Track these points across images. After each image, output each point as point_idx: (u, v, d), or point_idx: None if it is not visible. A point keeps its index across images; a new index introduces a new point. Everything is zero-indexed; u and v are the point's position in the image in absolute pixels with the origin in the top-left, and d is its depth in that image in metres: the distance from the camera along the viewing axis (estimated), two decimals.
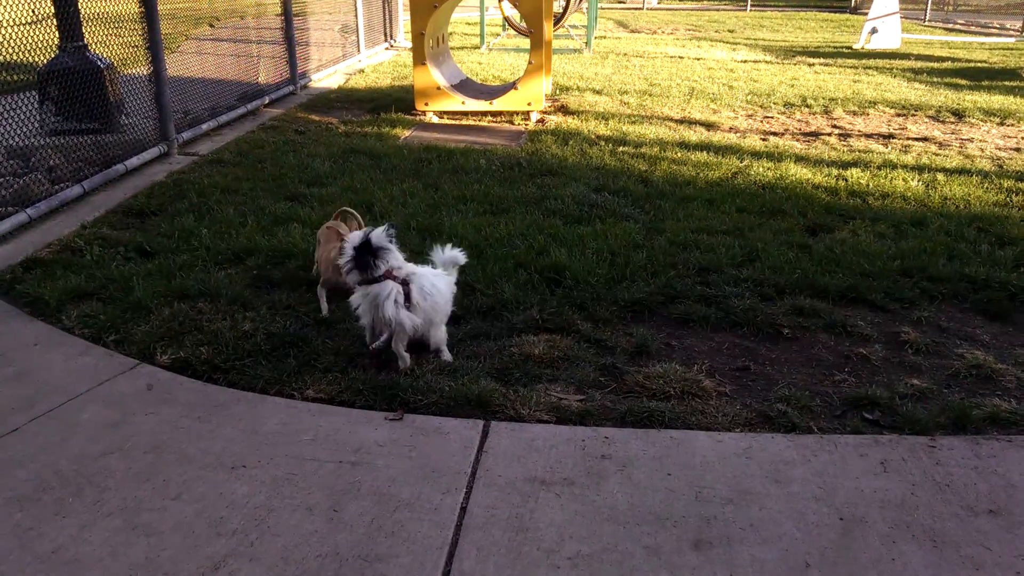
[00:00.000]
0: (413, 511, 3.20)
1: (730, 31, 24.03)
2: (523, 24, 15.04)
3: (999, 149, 9.54)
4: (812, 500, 3.31)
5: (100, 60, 8.62)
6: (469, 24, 23.18)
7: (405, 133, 9.84)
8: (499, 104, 10.47)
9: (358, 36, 16.26)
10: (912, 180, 7.99)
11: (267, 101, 11.33)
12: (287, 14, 12.08)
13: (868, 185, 7.84)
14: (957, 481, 3.44)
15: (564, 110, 11.17)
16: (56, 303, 5.08)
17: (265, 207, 6.87)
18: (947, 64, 16.55)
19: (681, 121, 10.74)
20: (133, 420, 3.84)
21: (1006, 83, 14.12)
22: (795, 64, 16.24)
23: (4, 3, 6.93)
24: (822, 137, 10.07)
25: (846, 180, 7.98)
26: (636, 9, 33.64)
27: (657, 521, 3.17)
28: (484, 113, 10.70)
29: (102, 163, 7.87)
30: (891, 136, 10.17)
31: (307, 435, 3.74)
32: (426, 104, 10.53)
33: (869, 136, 10.16)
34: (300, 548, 2.98)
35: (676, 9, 33.58)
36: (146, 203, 7.14)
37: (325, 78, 14.01)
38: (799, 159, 8.82)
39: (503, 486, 3.37)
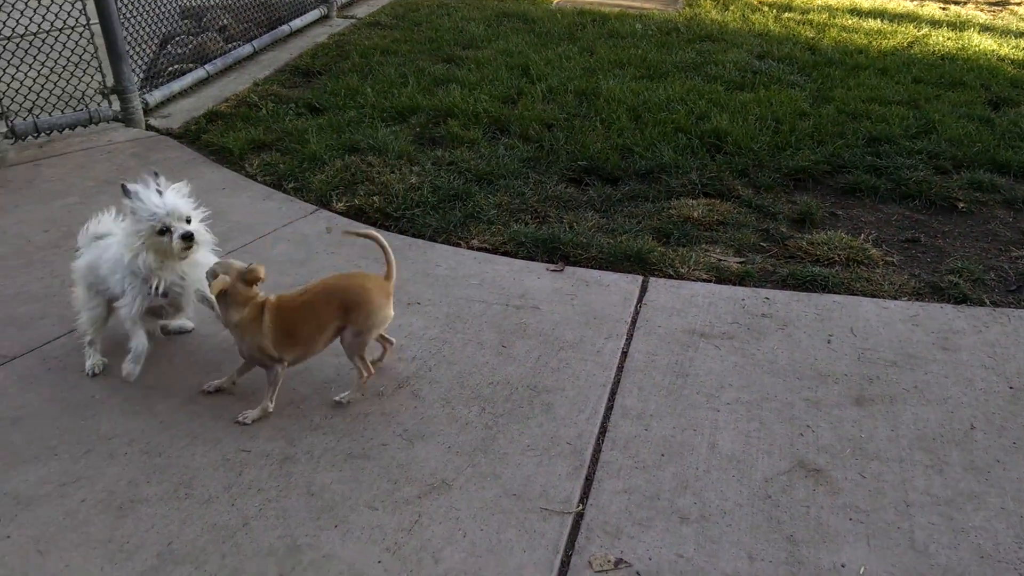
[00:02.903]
0: (576, 352, 3.37)
1: None
2: None
3: None
4: (981, 368, 3.25)
5: None
6: None
7: None
8: None
9: None
10: None
11: None
12: None
13: None
14: None
15: None
16: (239, 152, 5.43)
17: (424, 68, 6.98)
18: None
19: None
20: (317, 258, 4.15)
21: None
22: None
23: None
24: (1010, 7, 9.16)
25: None
26: None
27: (818, 377, 3.20)
28: None
29: (268, 24, 8.16)
30: None
31: (474, 280, 3.94)
32: None
33: None
34: (474, 375, 3.21)
35: None
36: (311, 63, 7.39)
37: None
38: (984, 29, 8.11)
39: (663, 335, 3.47)
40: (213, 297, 2.94)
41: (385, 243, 3.13)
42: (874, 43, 7.62)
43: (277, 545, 2.40)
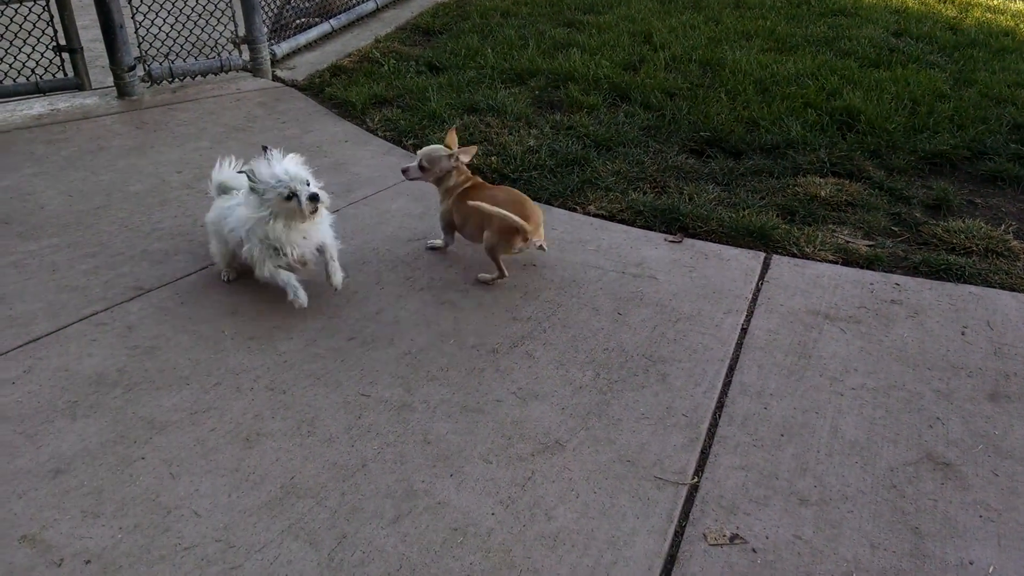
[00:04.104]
0: (694, 324, 3.30)
1: None
2: None
3: None
4: None
5: None
6: None
7: None
8: None
9: None
10: None
11: None
12: None
13: None
14: None
15: None
16: (361, 107, 5.52)
17: (544, 31, 6.93)
18: None
19: None
20: (435, 214, 4.18)
21: None
22: None
23: None
24: None
25: None
26: None
27: (950, 368, 3.05)
28: None
29: None
30: None
31: (590, 245, 3.91)
32: None
33: None
34: (588, 340, 3.19)
35: None
36: (432, 22, 7.44)
37: None
38: None
39: (785, 314, 3.37)
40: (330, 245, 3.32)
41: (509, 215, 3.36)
42: (1021, 26, 7.15)
43: (394, 488, 2.45)
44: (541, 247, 3.56)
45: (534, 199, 4.34)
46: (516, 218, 3.32)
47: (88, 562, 2.18)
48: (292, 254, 3.25)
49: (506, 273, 3.54)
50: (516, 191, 3.66)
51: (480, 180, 3.75)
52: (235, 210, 3.31)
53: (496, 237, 3.43)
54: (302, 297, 3.26)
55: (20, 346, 3.07)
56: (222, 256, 3.45)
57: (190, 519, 2.32)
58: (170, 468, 2.51)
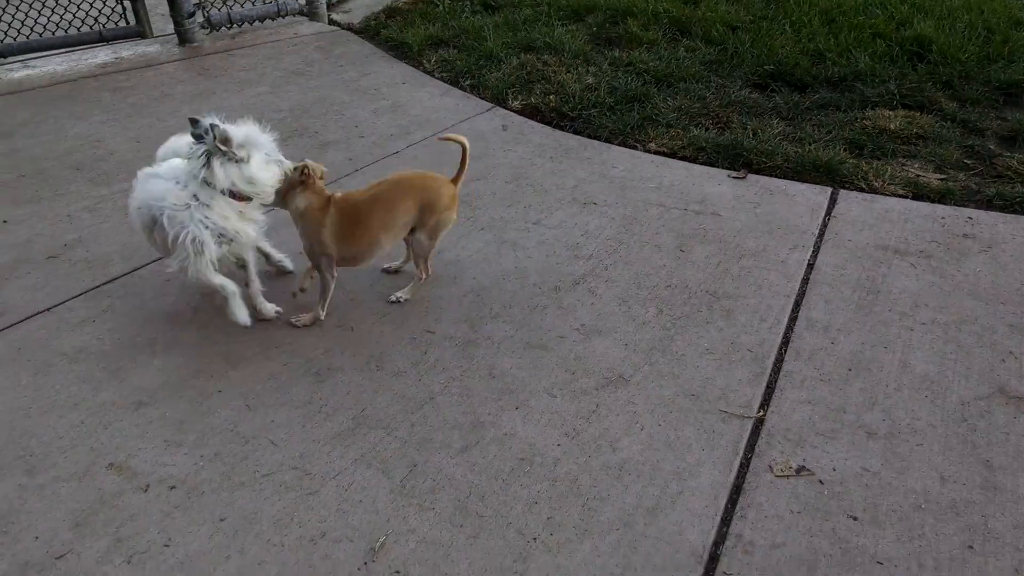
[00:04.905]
0: (758, 260, 3.26)
1: None
2: None
3: None
4: None
5: None
6: None
7: None
8: None
9: None
10: None
11: None
12: None
13: None
14: None
15: None
16: (417, 48, 5.50)
17: None
18: None
19: None
20: (493, 154, 4.18)
21: None
22: None
23: None
24: None
25: None
26: None
27: None
28: None
29: None
30: None
31: (651, 183, 3.87)
32: None
33: None
34: (651, 277, 3.18)
35: None
36: None
37: None
38: None
39: (853, 249, 3.31)
40: None
41: (467, 148, 3.02)
42: None
43: (461, 420, 2.50)
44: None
45: (593, 138, 4.33)
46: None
47: (173, 488, 2.29)
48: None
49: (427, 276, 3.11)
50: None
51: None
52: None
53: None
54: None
55: (98, 286, 3.19)
56: None
57: (267, 448, 2.41)
58: (246, 400, 2.60)
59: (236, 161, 2.68)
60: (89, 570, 2.05)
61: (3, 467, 2.36)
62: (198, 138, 2.66)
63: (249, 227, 2.81)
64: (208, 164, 2.66)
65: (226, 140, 2.65)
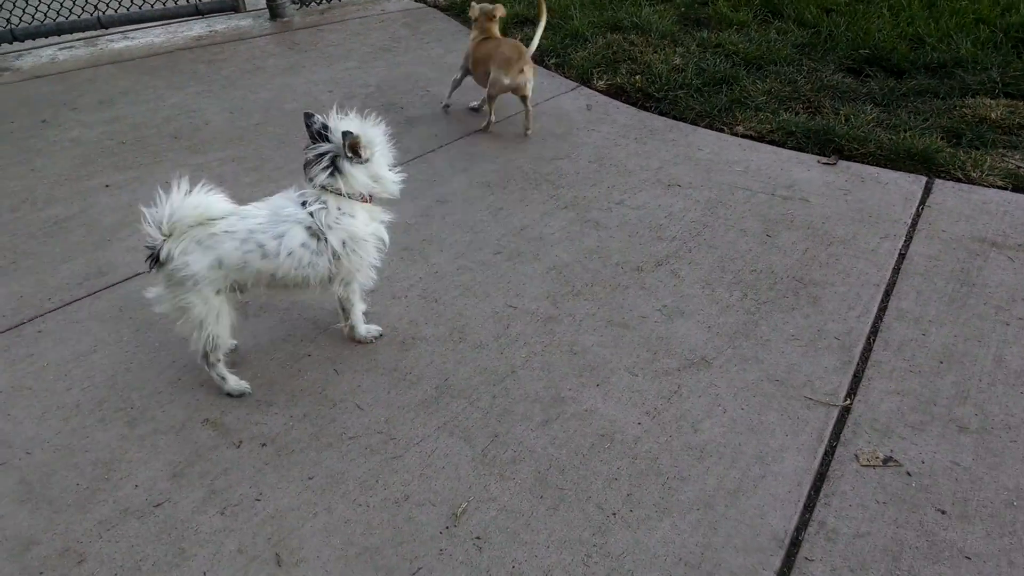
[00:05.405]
0: (847, 248, 3.19)
1: None
2: None
3: None
4: None
5: None
6: None
7: None
8: None
9: None
10: None
11: None
12: None
13: None
14: None
15: None
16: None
17: None
18: None
19: None
20: (576, 133, 4.18)
21: None
22: None
23: None
24: None
25: None
26: None
27: None
28: None
29: None
30: None
31: (738, 166, 3.81)
32: None
33: None
34: (736, 261, 3.15)
35: None
36: None
37: None
38: None
39: (947, 240, 3.21)
40: None
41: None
42: None
43: (542, 394, 2.53)
44: (525, 96, 4.03)
45: (679, 119, 4.29)
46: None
47: (264, 445, 2.37)
48: None
49: (493, 120, 4.19)
50: (517, 43, 4.14)
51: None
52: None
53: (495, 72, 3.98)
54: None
55: None
56: None
57: (353, 412, 2.48)
58: (334, 365, 2.67)
59: (364, 162, 2.45)
60: (185, 519, 2.14)
61: (106, 418, 2.48)
62: (321, 137, 2.41)
63: (382, 229, 2.57)
64: (335, 169, 2.43)
65: (356, 145, 2.40)
